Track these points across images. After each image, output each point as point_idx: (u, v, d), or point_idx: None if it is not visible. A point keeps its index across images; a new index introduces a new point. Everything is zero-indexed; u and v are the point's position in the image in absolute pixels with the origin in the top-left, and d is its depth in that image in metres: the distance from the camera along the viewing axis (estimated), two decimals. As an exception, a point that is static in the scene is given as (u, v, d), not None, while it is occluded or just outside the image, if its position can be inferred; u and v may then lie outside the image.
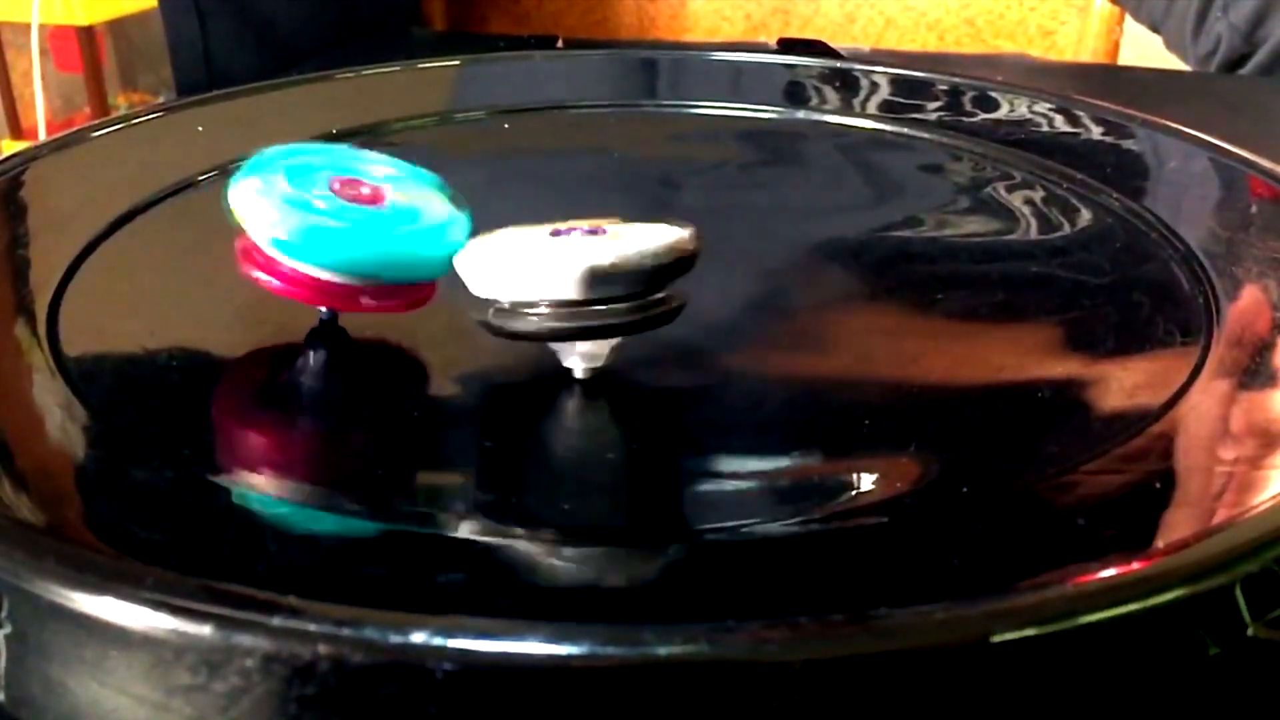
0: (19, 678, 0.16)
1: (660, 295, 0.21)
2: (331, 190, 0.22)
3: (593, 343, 0.22)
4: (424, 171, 0.24)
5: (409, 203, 0.23)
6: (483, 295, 0.22)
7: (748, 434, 0.22)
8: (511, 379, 0.24)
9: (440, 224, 0.22)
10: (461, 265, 0.22)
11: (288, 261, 0.22)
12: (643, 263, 0.21)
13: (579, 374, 0.22)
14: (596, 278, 0.20)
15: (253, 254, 0.22)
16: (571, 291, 0.21)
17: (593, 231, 0.22)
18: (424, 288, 0.23)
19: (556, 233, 0.22)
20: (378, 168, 0.24)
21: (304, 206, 0.22)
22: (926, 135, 0.37)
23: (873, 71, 0.42)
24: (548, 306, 0.21)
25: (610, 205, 0.28)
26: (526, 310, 0.21)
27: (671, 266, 0.21)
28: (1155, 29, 0.73)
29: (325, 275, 0.22)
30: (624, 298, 0.21)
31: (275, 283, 0.22)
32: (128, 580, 0.15)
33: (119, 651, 0.15)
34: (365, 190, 0.23)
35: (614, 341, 0.22)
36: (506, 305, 0.21)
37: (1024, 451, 0.21)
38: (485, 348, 0.24)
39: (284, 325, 0.25)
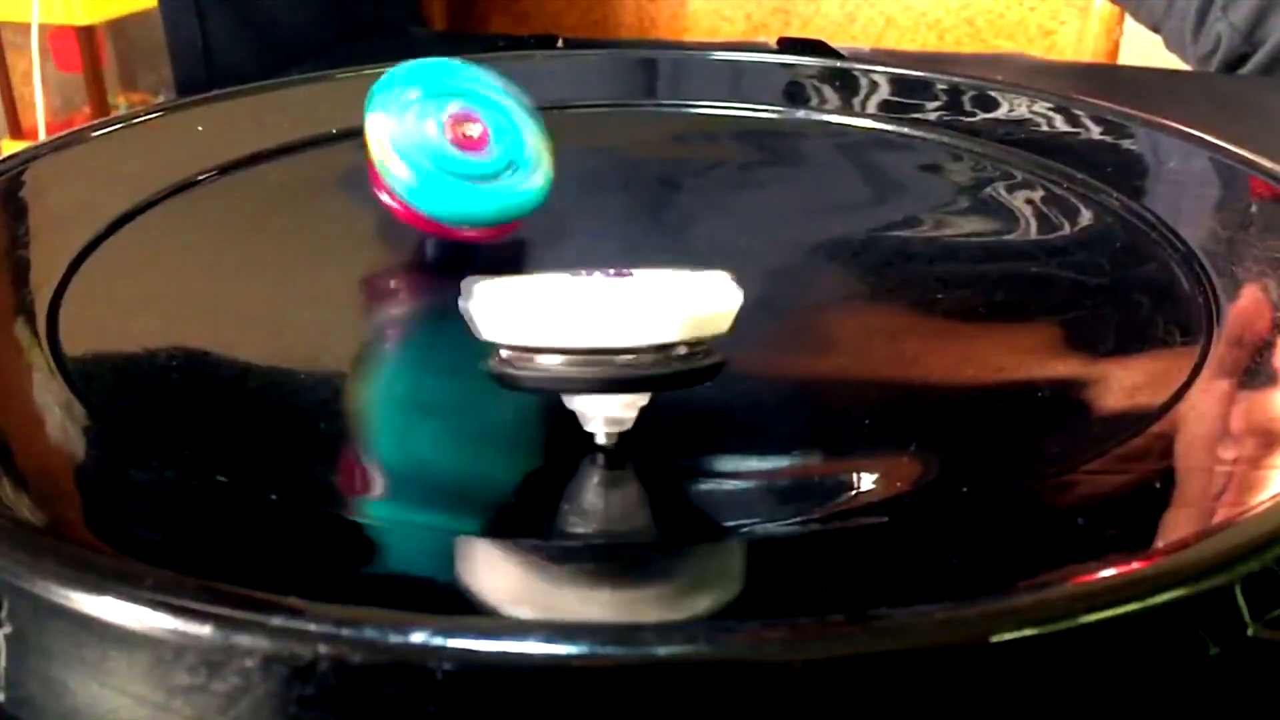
0: (19, 677, 0.16)
1: (691, 347, 0.19)
2: (445, 135, 0.26)
3: (619, 400, 0.19)
4: (522, 109, 0.28)
5: (507, 153, 0.27)
6: (487, 338, 0.20)
7: (748, 434, 0.22)
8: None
9: (533, 191, 0.27)
10: (469, 308, 0.20)
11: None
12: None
13: (601, 439, 0.20)
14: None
15: (379, 179, 0.27)
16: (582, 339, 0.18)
17: (619, 274, 0.20)
18: (514, 224, 0.28)
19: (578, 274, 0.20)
20: (488, 101, 0.27)
21: (419, 165, 0.26)
22: (926, 135, 0.37)
23: (873, 71, 0.42)
24: (562, 355, 0.18)
25: (610, 205, 0.28)
26: (537, 359, 0.19)
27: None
28: (1155, 29, 0.73)
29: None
30: (650, 349, 0.18)
31: (396, 207, 0.27)
32: (128, 580, 0.15)
33: (119, 651, 0.15)
34: (474, 132, 0.26)
35: (642, 399, 0.19)
36: (516, 352, 0.19)
37: (1024, 451, 0.21)
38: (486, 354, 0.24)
39: (284, 325, 0.25)
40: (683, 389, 0.19)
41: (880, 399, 0.23)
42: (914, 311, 0.27)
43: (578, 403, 0.19)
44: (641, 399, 0.19)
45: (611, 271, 0.20)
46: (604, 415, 0.19)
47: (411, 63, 0.27)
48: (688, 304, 0.19)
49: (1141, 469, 0.20)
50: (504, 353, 0.19)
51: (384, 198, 0.27)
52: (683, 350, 0.19)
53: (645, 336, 0.18)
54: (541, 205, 0.27)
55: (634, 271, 0.20)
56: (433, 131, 0.26)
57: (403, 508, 0.19)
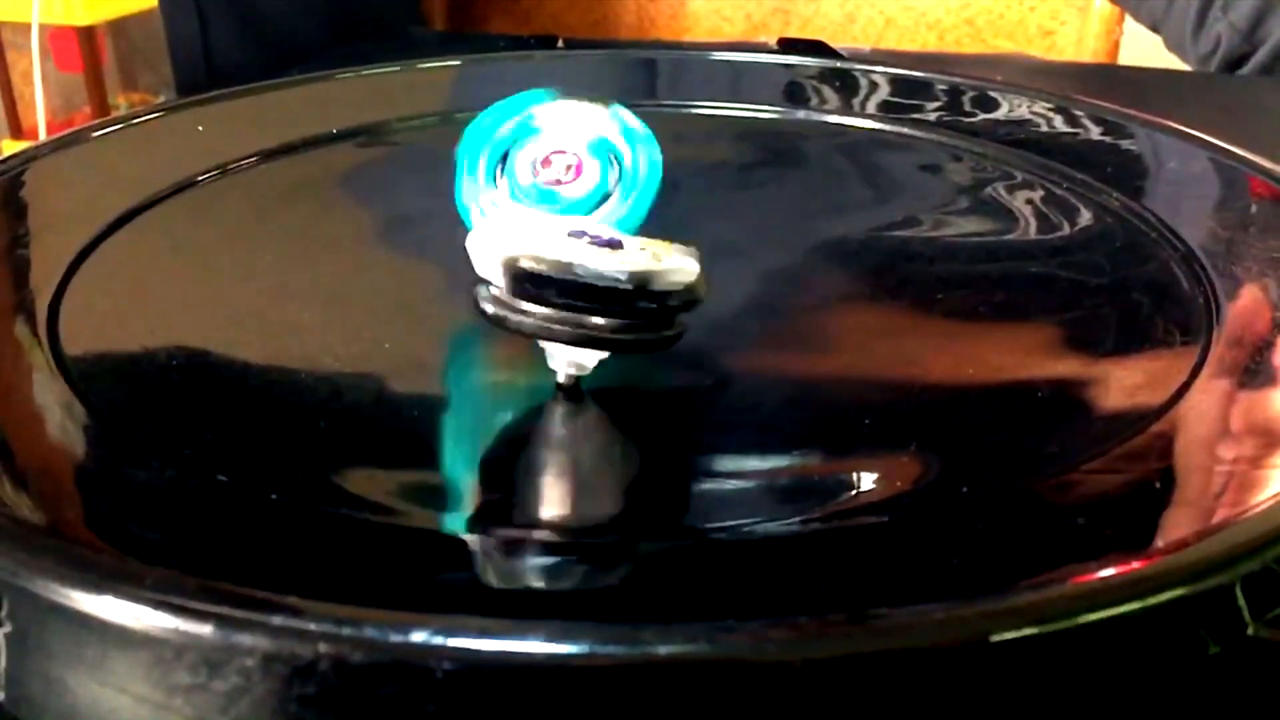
0: (19, 677, 0.16)
1: (656, 318, 0.21)
2: (535, 177, 0.26)
3: (581, 352, 0.22)
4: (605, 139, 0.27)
5: (605, 169, 0.26)
6: (483, 276, 0.22)
7: (748, 434, 0.22)
8: (511, 379, 0.24)
9: (650, 196, 0.27)
10: (471, 244, 0.22)
11: None
12: (580, 276, 0.20)
13: (561, 378, 0.22)
14: (521, 274, 0.20)
15: None
16: (499, 283, 0.21)
17: (608, 242, 0.21)
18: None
19: (576, 233, 0.22)
20: (573, 132, 0.27)
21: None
22: (926, 135, 0.37)
23: (873, 71, 0.42)
24: (543, 306, 0.21)
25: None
26: (522, 305, 0.21)
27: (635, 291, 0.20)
28: (1155, 29, 0.73)
29: None
30: (619, 314, 0.21)
31: None
32: (128, 580, 0.15)
33: (119, 651, 0.15)
34: (567, 165, 0.26)
35: (602, 355, 0.22)
36: (502, 294, 0.21)
37: (1024, 451, 0.21)
38: (484, 351, 0.24)
39: (284, 325, 0.25)
40: (641, 352, 0.22)
41: (880, 399, 0.23)
42: (914, 311, 0.27)
43: (547, 344, 0.22)
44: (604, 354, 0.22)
45: (600, 235, 0.22)
46: (569, 359, 0.22)
47: (467, 134, 0.27)
48: (649, 262, 0.21)
49: (1141, 469, 0.20)
50: (494, 290, 0.21)
51: None
52: (650, 319, 0.21)
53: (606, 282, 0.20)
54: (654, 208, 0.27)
55: (623, 241, 0.22)
56: (528, 190, 0.26)
57: (403, 507, 0.19)
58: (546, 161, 0.26)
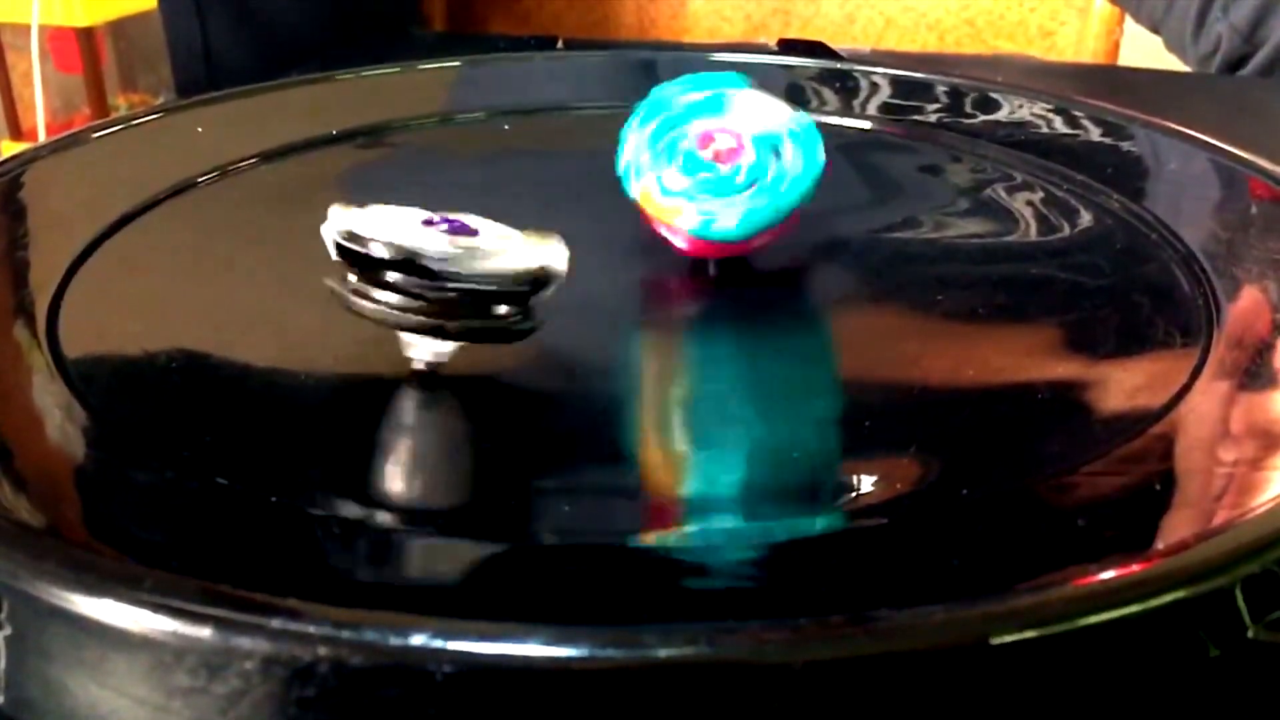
0: (19, 679, 0.16)
1: (509, 312, 0.21)
2: (700, 155, 0.27)
3: (432, 341, 0.22)
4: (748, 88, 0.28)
5: (765, 150, 0.27)
6: (336, 260, 0.22)
7: (748, 434, 0.22)
8: (527, 385, 0.24)
9: (795, 199, 0.27)
10: (325, 230, 0.22)
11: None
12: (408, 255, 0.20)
13: (417, 365, 0.22)
14: (370, 260, 0.20)
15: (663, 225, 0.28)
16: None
17: (465, 228, 0.22)
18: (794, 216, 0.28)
19: (430, 220, 0.22)
20: (734, 114, 0.27)
21: (687, 197, 0.27)
22: (926, 136, 0.37)
23: (872, 72, 0.42)
24: (392, 293, 0.21)
25: (609, 205, 0.28)
26: (372, 292, 0.21)
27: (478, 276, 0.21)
28: (1155, 29, 0.73)
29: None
30: (466, 304, 0.21)
31: (686, 246, 0.28)
32: (127, 582, 0.15)
33: (119, 653, 0.15)
34: (727, 146, 0.27)
35: (454, 346, 0.22)
36: (355, 281, 0.21)
37: (1024, 452, 0.21)
38: (483, 352, 0.24)
39: (284, 326, 0.25)
40: (499, 344, 0.22)
41: (880, 400, 0.23)
42: (914, 312, 0.27)
43: (404, 334, 0.22)
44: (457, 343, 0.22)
45: (456, 221, 0.22)
46: (426, 348, 0.22)
47: (642, 108, 0.28)
48: (499, 252, 0.21)
49: (1141, 470, 0.20)
50: (351, 278, 0.21)
51: (676, 241, 0.28)
52: (503, 310, 0.22)
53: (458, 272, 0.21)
54: (811, 193, 0.27)
55: (478, 227, 0.22)
56: (688, 160, 0.27)
57: (404, 509, 0.19)
58: (710, 138, 0.27)
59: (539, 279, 0.22)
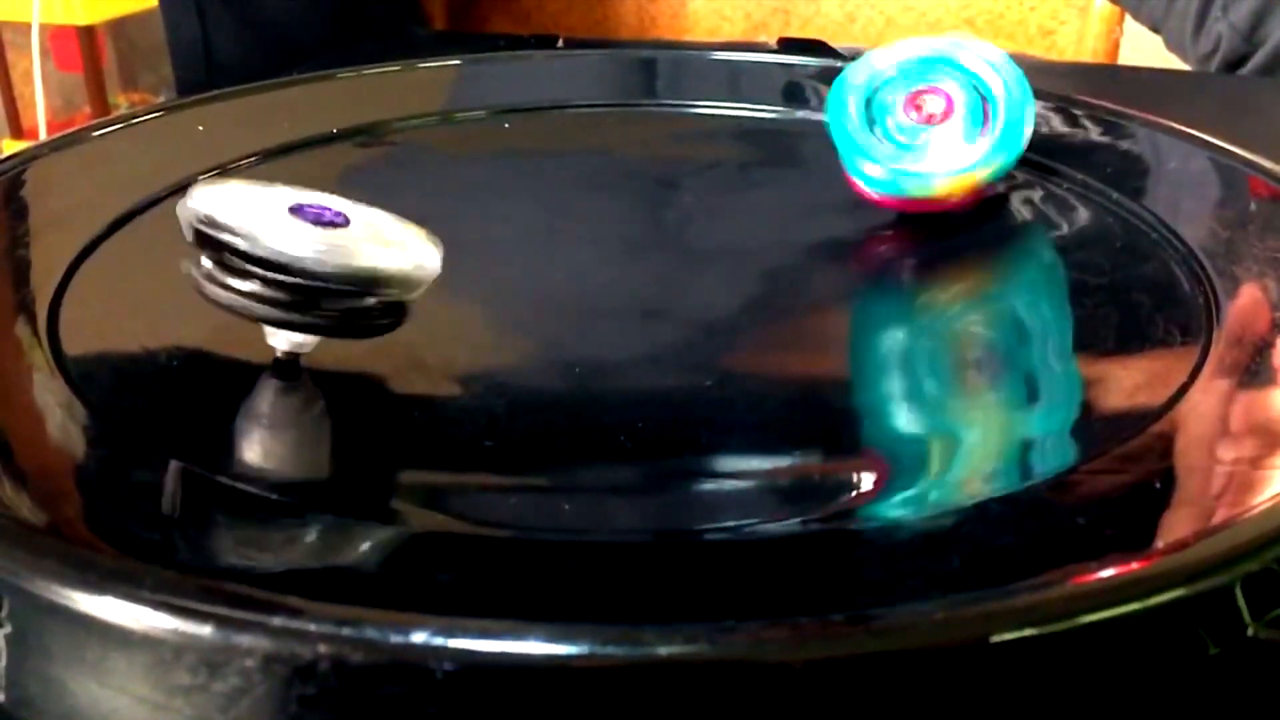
0: (19, 678, 0.16)
1: (360, 306, 0.21)
2: (907, 116, 0.29)
3: (289, 333, 0.21)
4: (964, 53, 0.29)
5: (975, 109, 0.29)
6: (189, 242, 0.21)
7: (749, 434, 0.22)
8: (527, 384, 0.24)
9: (1000, 169, 0.29)
10: (180, 210, 0.21)
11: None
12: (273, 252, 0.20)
13: (279, 354, 0.22)
14: (221, 247, 0.20)
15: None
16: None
17: (333, 219, 0.21)
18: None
19: (297, 207, 0.21)
20: (942, 77, 0.29)
21: (887, 160, 0.29)
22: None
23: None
24: (245, 282, 0.20)
25: (609, 205, 0.28)
26: (227, 280, 0.20)
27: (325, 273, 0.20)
28: (1155, 29, 0.73)
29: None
30: (317, 300, 0.20)
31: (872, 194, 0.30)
32: (128, 580, 0.15)
33: (119, 651, 0.15)
34: (935, 108, 0.29)
35: (313, 338, 0.22)
36: (210, 267, 0.21)
37: (1024, 451, 0.21)
38: (486, 349, 0.24)
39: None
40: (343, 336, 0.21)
41: (879, 399, 0.23)
42: (913, 312, 0.27)
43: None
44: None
45: (326, 210, 0.21)
46: (285, 337, 0.22)
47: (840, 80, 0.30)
48: (357, 248, 0.20)
49: (1141, 469, 0.20)
50: (205, 262, 0.21)
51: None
52: (370, 301, 0.21)
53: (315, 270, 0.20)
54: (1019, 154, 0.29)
55: (350, 216, 0.21)
56: (906, 129, 0.29)
57: (404, 507, 0.19)
58: (917, 103, 0.29)
59: (404, 280, 0.21)
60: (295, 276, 0.20)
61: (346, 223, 0.21)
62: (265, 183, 0.22)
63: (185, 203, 0.21)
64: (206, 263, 0.21)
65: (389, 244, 0.21)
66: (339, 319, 0.21)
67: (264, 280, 0.20)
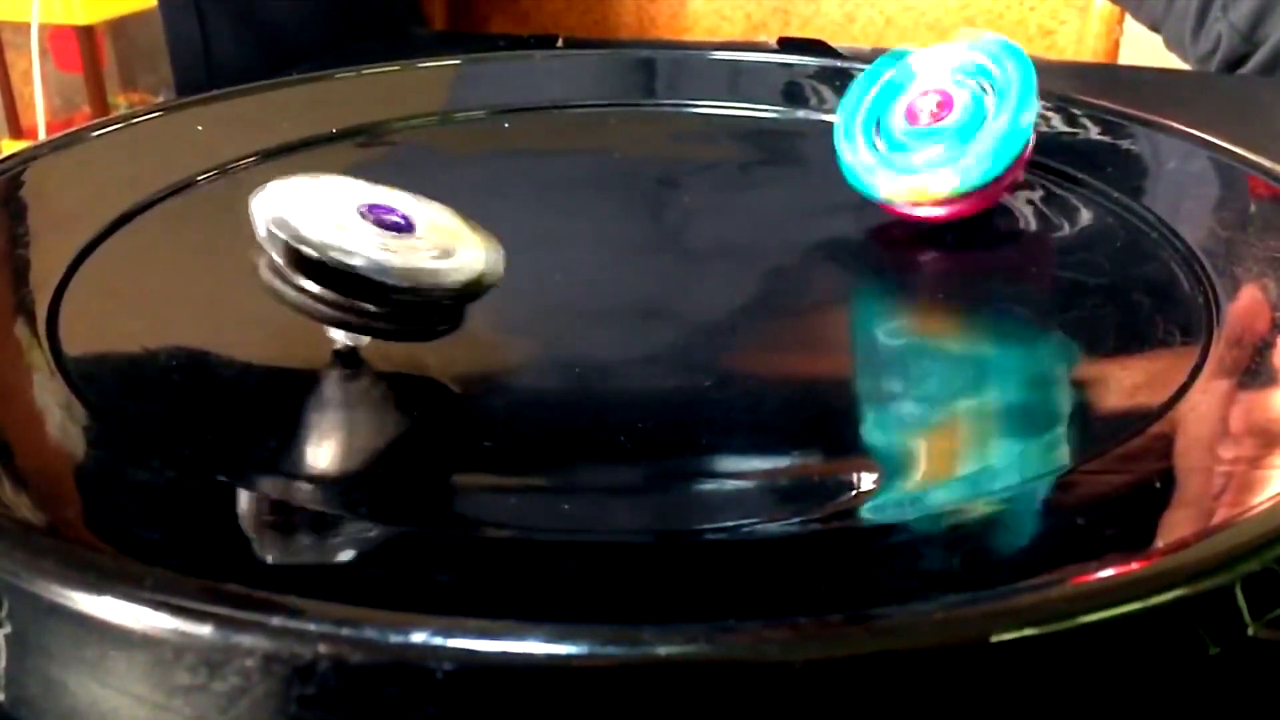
0: (19, 678, 0.16)
1: (422, 311, 0.21)
2: (909, 120, 0.28)
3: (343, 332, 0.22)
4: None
5: (973, 105, 0.28)
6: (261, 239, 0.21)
7: (749, 434, 0.22)
8: (527, 384, 0.24)
9: (1007, 163, 0.28)
10: (255, 207, 0.21)
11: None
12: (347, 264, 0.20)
13: (337, 345, 0.23)
14: (289, 250, 0.20)
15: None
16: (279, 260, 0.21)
17: (399, 222, 0.21)
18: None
19: (366, 209, 0.21)
20: (936, 69, 0.29)
21: (900, 169, 0.28)
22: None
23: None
24: (311, 282, 0.21)
25: (609, 205, 0.28)
26: (296, 280, 0.21)
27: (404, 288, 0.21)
28: (1155, 29, 0.73)
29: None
30: (379, 304, 0.21)
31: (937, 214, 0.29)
32: (128, 580, 0.15)
33: (119, 651, 0.15)
34: (937, 102, 0.28)
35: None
36: (278, 264, 0.21)
37: (1024, 451, 0.21)
38: (485, 348, 0.24)
39: (283, 325, 0.25)
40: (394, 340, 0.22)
41: (879, 399, 0.23)
42: (913, 311, 0.27)
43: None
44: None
45: (394, 211, 0.22)
46: (344, 336, 0.22)
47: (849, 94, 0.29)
48: (421, 255, 0.21)
49: (1141, 469, 0.20)
50: (277, 259, 0.21)
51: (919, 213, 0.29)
52: (432, 304, 0.21)
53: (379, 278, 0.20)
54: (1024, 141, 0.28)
55: (416, 219, 0.22)
56: (911, 133, 0.28)
57: (404, 507, 0.19)
58: (914, 109, 0.28)
59: (467, 292, 0.21)
60: (360, 283, 0.20)
61: (412, 228, 0.22)
62: (333, 176, 0.22)
63: (257, 198, 0.21)
64: (278, 259, 0.21)
65: (453, 252, 0.22)
66: (400, 322, 0.21)
67: (329, 284, 0.21)
